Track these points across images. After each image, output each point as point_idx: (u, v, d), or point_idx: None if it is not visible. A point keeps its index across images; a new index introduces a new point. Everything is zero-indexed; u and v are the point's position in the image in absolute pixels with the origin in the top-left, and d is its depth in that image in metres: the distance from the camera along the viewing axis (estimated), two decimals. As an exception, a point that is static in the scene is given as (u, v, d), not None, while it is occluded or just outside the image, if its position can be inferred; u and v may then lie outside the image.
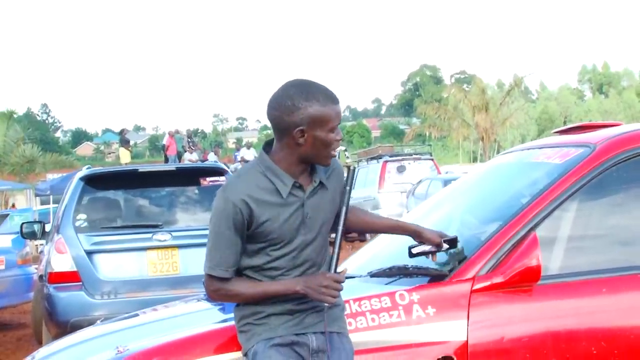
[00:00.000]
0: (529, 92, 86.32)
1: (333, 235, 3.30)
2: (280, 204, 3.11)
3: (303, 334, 3.19)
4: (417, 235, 3.51)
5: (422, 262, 3.63)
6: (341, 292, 3.29)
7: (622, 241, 3.94)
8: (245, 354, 3.22)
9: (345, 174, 3.28)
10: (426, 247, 3.51)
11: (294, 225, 3.14)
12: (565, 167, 3.84)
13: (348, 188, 3.22)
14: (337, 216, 3.22)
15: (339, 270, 3.19)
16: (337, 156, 3.26)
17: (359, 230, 3.65)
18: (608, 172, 3.82)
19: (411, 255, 3.54)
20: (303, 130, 3.07)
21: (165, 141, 32.62)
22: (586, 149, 3.91)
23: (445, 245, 3.52)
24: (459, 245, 3.64)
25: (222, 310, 3.92)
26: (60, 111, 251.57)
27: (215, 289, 3.18)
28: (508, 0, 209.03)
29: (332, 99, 3.11)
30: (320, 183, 3.20)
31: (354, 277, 3.90)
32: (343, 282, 3.11)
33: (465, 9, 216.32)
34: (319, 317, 3.20)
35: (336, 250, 3.15)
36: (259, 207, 3.09)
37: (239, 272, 3.19)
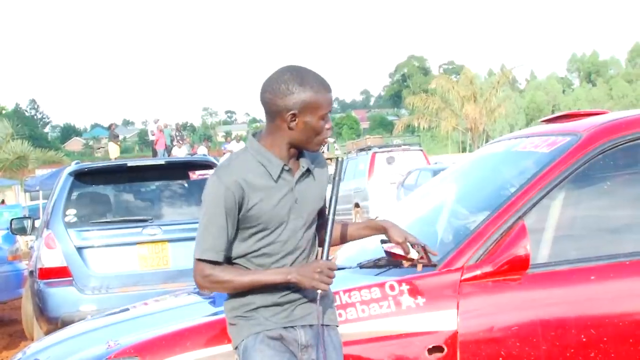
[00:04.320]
0: (516, 81, 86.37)
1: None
2: (271, 187, 3.13)
3: (292, 327, 3.19)
4: (384, 232, 3.44)
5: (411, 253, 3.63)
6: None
7: (609, 229, 3.96)
8: (236, 348, 3.22)
9: (335, 165, 3.28)
10: (394, 248, 3.46)
11: (284, 209, 3.14)
12: (553, 156, 3.85)
13: (337, 178, 3.22)
14: (328, 205, 3.20)
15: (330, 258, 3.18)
16: (326, 148, 3.27)
17: (338, 244, 3.61)
18: (595, 160, 3.82)
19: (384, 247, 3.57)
20: (295, 114, 3.09)
21: (154, 135, 32.55)
22: (573, 137, 3.92)
23: (413, 251, 3.40)
24: (443, 238, 3.61)
25: (212, 304, 3.92)
26: (48, 107, 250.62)
27: (206, 275, 3.12)
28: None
29: (325, 86, 3.14)
30: (308, 170, 3.21)
31: (343, 269, 3.90)
32: (335, 269, 3.10)
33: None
34: (308, 309, 3.20)
35: (327, 238, 3.15)
36: (251, 189, 3.09)
37: (230, 262, 3.18)
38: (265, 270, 3.14)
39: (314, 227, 3.28)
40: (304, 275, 3.07)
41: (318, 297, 3.12)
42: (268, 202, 3.12)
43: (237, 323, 3.21)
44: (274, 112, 3.12)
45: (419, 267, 3.47)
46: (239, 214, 3.11)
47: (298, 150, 3.20)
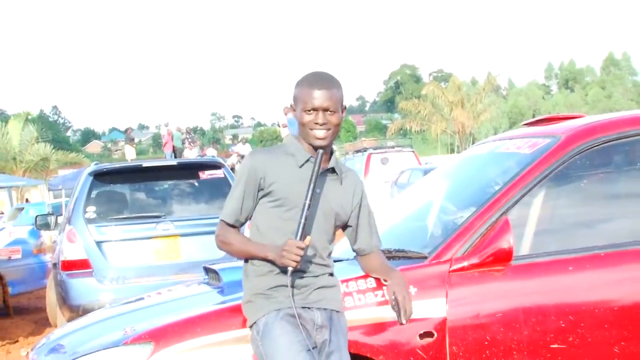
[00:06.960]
0: (499, 88, 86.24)
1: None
2: (295, 169, 3.20)
3: (309, 308, 3.18)
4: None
5: (403, 245, 3.64)
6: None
7: (586, 223, 3.96)
8: (251, 326, 3.21)
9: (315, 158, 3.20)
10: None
11: (303, 192, 3.12)
12: (534, 156, 3.85)
13: (316, 168, 3.13)
14: (307, 190, 3.10)
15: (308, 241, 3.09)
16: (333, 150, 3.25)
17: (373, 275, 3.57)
18: (573, 160, 3.83)
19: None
20: (293, 107, 3.26)
21: (164, 138, 32.42)
22: (553, 139, 3.92)
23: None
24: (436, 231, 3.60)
25: (220, 293, 3.92)
26: (69, 112, 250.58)
27: (218, 234, 3.29)
28: (481, 4, 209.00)
29: (312, 83, 3.21)
30: (334, 170, 3.26)
31: (342, 261, 3.90)
32: (303, 247, 3.04)
33: (442, 12, 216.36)
34: (323, 295, 3.21)
35: (302, 220, 3.08)
36: (275, 170, 3.19)
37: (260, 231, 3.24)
38: (256, 244, 3.20)
39: (329, 232, 3.28)
40: (277, 253, 3.09)
41: (289, 273, 3.10)
42: (289, 180, 3.18)
43: (255, 301, 3.21)
44: None
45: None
46: (262, 189, 3.20)
47: (316, 149, 3.21)
